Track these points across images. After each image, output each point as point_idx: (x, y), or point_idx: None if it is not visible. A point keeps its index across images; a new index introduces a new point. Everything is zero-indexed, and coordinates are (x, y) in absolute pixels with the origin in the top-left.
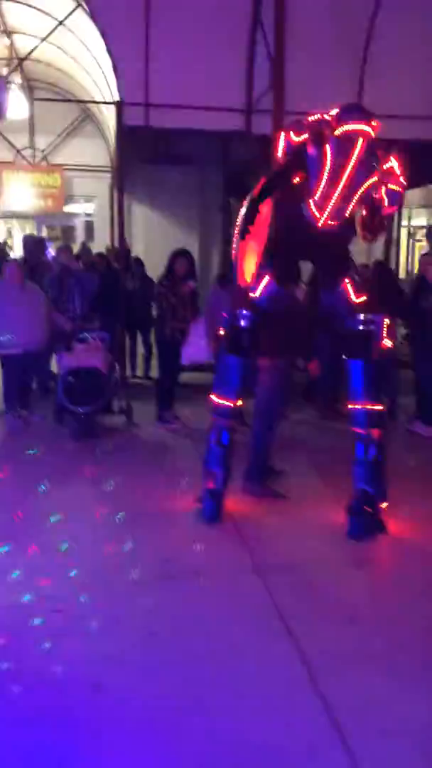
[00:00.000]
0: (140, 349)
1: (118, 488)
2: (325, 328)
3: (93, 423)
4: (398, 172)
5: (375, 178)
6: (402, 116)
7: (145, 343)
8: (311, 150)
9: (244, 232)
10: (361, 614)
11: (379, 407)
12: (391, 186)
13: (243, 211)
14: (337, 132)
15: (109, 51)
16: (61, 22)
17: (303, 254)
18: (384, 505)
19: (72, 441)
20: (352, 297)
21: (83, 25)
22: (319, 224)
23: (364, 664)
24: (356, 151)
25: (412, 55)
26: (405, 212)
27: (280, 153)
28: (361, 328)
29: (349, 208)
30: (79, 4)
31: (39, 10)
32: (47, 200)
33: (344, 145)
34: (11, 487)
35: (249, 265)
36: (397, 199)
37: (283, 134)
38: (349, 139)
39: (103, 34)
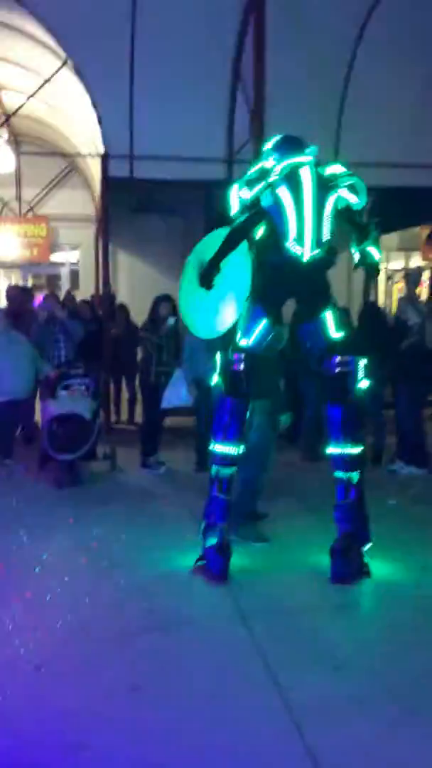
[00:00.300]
0: (125, 395)
1: (102, 537)
2: (309, 369)
3: (77, 470)
4: (344, 169)
5: (334, 192)
6: (378, 164)
7: (130, 388)
8: (266, 199)
9: (208, 282)
10: (348, 661)
11: (359, 450)
12: (346, 185)
13: (205, 265)
14: (280, 174)
15: (94, 106)
16: (47, 80)
17: (289, 293)
18: (368, 547)
19: (56, 489)
20: (331, 331)
21: (68, 81)
22: (306, 259)
23: (352, 712)
24: (305, 182)
25: (385, 106)
26: (383, 255)
27: (235, 209)
28: (337, 370)
29: (326, 231)
30: (65, 62)
31: (25, 68)
32: (33, 250)
33: (292, 180)
34: None
35: (225, 313)
36: (358, 188)
37: (232, 192)
38: (294, 173)
39: (89, 90)
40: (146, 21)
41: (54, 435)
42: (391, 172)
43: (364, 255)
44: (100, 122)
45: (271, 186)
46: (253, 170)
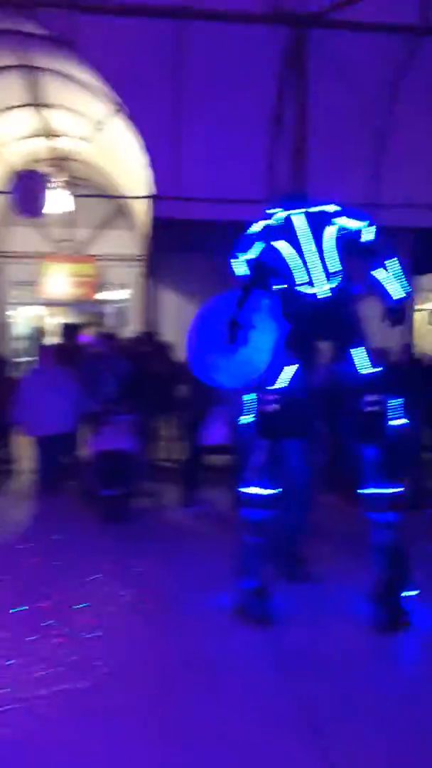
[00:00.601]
0: (168, 432)
1: (142, 574)
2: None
3: (120, 506)
4: (328, 208)
5: (331, 223)
6: (418, 205)
7: (173, 425)
8: (268, 256)
9: (233, 337)
10: (387, 712)
11: (394, 491)
12: (342, 213)
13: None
14: (273, 225)
15: (145, 150)
16: (99, 126)
17: (316, 335)
18: (409, 593)
19: (99, 524)
20: (362, 368)
21: (119, 126)
22: (321, 295)
23: (391, 766)
24: (298, 225)
25: (424, 147)
26: (420, 297)
27: (240, 273)
28: (368, 409)
29: (334, 262)
30: (119, 109)
31: (78, 113)
32: (82, 288)
33: (286, 229)
34: (37, 573)
35: (255, 364)
36: (355, 211)
37: (233, 260)
38: (286, 223)
39: (139, 135)
40: (193, 68)
41: (98, 470)
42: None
43: (384, 292)
44: (149, 165)
45: (268, 242)
46: (249, 230)
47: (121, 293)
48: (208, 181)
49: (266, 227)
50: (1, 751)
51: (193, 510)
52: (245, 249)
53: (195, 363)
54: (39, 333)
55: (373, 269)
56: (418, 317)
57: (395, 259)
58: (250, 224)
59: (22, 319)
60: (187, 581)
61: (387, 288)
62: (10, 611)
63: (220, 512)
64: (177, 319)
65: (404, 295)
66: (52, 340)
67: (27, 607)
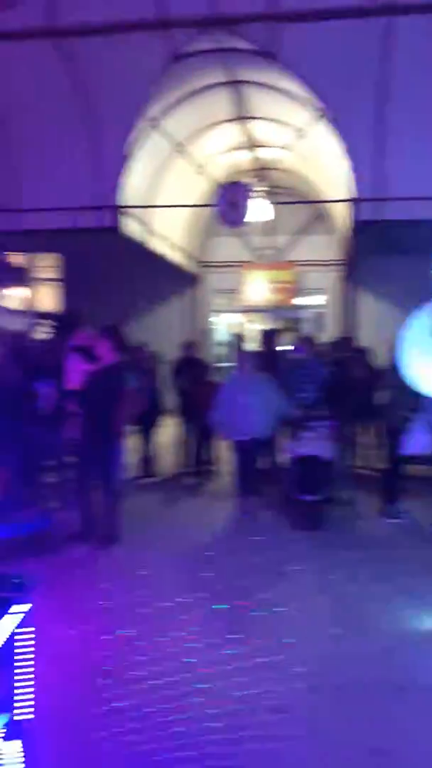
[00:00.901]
0: (366, 439)
1: (337, 585)
2: None
3: (319, 513)
4: None
5: None
6: None
7: (373, 432)
8: None
9: None
10: None
11: None
12: None
13: None
14: None
15: (347, 154)
16: (302, 133)
17: None
18: None
19: (296, 529)
20: None
21: (321, 132)
22: None
23: None
24: None
25: None
26: None
27: None
28: None
29: None
30: (323, 115)
31: (280, 122)
32: (280, 294)
33: None
34: (236, 572)
35: None
36: None
37: None
38: None
39: (342, 139)
40: (396, 66)
41: (296, 476)
42: None
43: None
44: (351, 168)
45: None
46: None
47: (318, 298)
48: (410, 181)
49: None
50: (206, 746)
51: (393, 521)
52: None
53: (407, 371)
54: (238, 339)
55: None
56: None
57: None
58: None
59: (223, 325)
60: (385, 595)
61: None
62: (212, 607)
63: (421, 525)
64: (376, 324)
65: None
66: (252, 346)
67: (227, 606)
